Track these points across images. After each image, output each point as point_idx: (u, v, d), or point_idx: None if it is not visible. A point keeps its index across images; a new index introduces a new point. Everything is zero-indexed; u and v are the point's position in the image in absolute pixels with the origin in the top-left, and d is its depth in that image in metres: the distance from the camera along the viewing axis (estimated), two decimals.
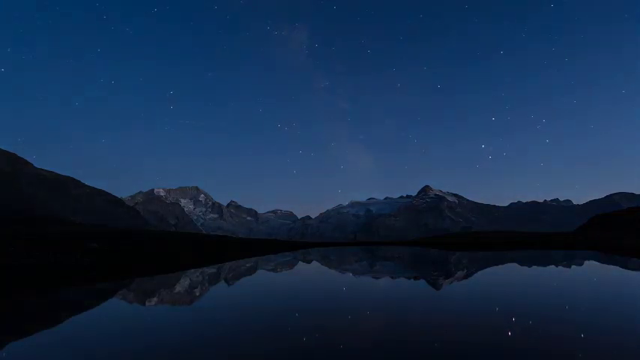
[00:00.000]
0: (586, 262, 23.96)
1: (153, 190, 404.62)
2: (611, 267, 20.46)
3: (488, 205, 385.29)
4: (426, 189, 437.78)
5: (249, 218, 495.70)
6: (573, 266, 21.27)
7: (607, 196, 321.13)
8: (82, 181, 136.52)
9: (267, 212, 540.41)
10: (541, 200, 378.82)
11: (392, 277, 16.41)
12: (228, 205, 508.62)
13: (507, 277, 15.88)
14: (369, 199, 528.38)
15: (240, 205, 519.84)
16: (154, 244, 46.44)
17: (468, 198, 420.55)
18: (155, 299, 11.08)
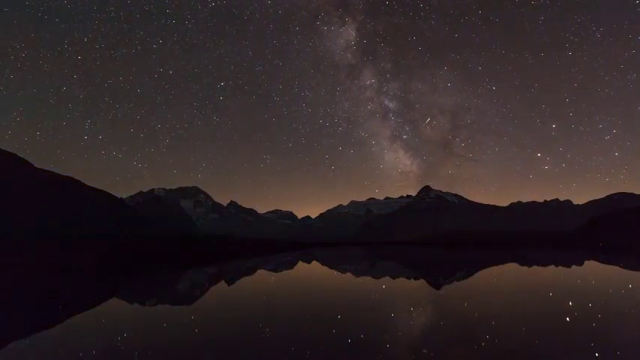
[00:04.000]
0: (586, 262, 23.95)
1: (153, 190, 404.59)
2: (611, 267, 20.46)
3: (488, 205, 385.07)
4: (426, 189, 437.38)
5: (249, 218, 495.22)
6: (573, 266, 21.26)
7: (607, 196, 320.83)
8: (82, 182, 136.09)
9: (267, 212, 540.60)
10: (541, 200, 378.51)
11: (392, 277, 16.41)
12: (228, 205, 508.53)
13: (507, 277, 15.87)
14: (369, 199, 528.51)
15: (240, 205, 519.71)
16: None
17: (468, 198, 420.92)
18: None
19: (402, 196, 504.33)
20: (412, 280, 15.28)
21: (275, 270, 22.08)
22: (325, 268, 23.09)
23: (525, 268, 20.61)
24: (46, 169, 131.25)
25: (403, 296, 10.74)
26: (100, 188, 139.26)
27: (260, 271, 21.11)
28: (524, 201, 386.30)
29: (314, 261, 30.70)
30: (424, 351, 5.21)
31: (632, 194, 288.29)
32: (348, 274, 18.47)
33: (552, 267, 20.74)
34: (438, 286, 12.87)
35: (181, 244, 52.89)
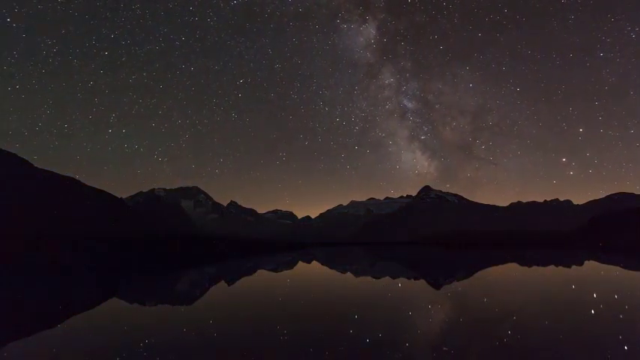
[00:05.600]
0: (586, 262, 23.95)
1: (153, 190, 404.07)
2: (611, 267, 20.45)
3: (488, 205, 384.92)
4: (426, 189, 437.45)
5: (249, 218, 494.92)
6: (573, 266, 21.26)
7: (607, 196, 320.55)
8: (83, 182, 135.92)
9: (267, 212, 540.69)
10: (541, 200, 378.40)
11: (392, 277, 16.40)
12: (228, 205, 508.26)
13: (507, 277, 15.86)
14: (369, 199, 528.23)
15: (240, 205, 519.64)
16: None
17: (467, 198, 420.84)
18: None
19: (402, 196, 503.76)
20: (412, 280, 15.27)
21: (275, 270, 22.08)
22: (325, 268, 23.09)
23: (525, 268, 20.60)
24: (46, 169, 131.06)
25: (403, 296, 10.73)
26: (100, 188, 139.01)
27: (260, 271, 21.11)
28: (524, 201, 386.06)
29: (314, 261, 30.72)
30: (426, 351, 5.21)
31: (632, 194, 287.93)
32: (348, 274, 18.47)
33: (552, 267, 20.74)
34: (438, 287, 12.87)
35: (181, 244, 52.86)
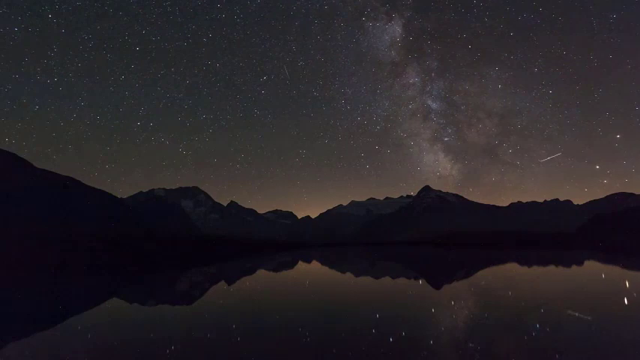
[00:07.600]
0: (586, 262, 23.94)
1: (153, 190, 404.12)
2: (611, 267, 20.44)
3: (488, 205, 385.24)
4: (426, 189, 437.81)
5: (249, 218, 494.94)
6: (573, 266, 21.25)
7: (607, 196, 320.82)
8: (82, 182, 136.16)
9: (267, 212, 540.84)
10: (541, 200, 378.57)
11: (392, 278, 16.40)
12: (228, 205, 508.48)
13: (507, 277, 15.86)
14: (369, 199, 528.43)
15: (240, 205, 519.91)
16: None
17: (468, 198, 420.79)
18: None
19: (402, 196, 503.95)
20: (412, 280, 15.27)
21: (275, 270, 22.08)
22: (325, 268, 23.09)
23: (525, 268, 20.60)
24: (46, 169, 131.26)
25: (403, 296, 10.72)
26: (99, 188, 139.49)
27: (260, 271, 21.11)
28: (524, 201, 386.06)
29: (314, 261, 30.73)
30: (425, 351, 5.20)
31: (632, 194, 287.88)
32: (348, 274, 18.46)
33: (552, 267, 20.73)
34: (438, 287, 12.87)
35: (181, 244, 52.87)
